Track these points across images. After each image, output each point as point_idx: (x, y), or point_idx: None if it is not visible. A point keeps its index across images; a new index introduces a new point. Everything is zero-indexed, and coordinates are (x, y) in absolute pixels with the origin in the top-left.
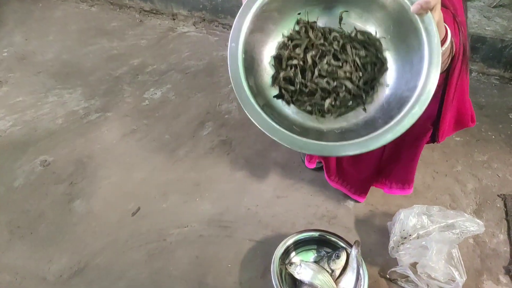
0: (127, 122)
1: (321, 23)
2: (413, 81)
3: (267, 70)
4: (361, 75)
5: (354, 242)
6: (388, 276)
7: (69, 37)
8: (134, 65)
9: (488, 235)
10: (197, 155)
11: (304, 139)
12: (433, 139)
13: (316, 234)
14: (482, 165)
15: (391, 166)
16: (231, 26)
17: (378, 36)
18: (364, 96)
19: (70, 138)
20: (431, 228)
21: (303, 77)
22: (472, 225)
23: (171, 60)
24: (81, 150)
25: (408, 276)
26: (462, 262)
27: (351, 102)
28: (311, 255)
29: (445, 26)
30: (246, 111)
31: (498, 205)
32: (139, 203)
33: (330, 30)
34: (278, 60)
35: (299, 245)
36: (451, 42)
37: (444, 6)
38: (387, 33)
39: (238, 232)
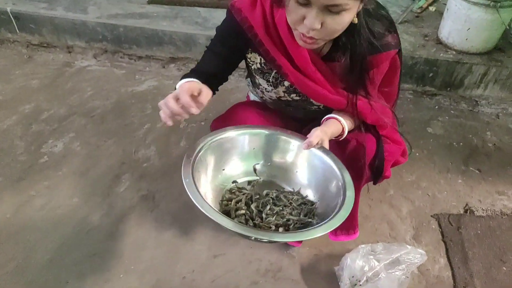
0: (23, 187)
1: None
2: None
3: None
4: (299, 212)
5: None
6: None
7: None
8: (25, 113)
9: (430, 261)
10: (115, 219)
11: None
12: (374, 181)
13: None
14: (412, 186)
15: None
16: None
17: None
18: (310, 221)
19: None
20: (378, 268)
21: (254, 221)
22: (416, 256)
23: (72, 102)
24: None
25: None
26: None
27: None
28: None
29: (341, 123)
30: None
31: (433, 226)
32: None
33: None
34: (226, 213)
35: None
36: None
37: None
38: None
39: None
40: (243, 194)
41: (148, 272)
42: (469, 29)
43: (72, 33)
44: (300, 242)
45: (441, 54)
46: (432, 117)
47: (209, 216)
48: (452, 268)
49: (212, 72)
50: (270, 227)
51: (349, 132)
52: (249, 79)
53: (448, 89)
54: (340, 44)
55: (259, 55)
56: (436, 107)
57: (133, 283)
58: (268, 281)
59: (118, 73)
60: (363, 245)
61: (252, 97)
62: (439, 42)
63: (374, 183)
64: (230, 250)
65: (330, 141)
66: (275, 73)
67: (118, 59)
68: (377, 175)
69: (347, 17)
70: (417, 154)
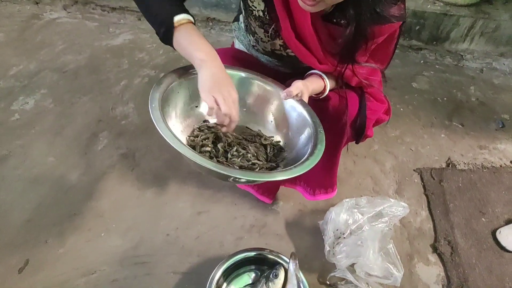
0: None
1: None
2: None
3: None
4: (265, 156)
5: (290, 256)
6: (328, 282)
7: None
8: None
9: (412, 214)
10: (94, 177)
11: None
12: (356, 140)
13: (250, 254)
14: (396, 141)
15: (309, 172)
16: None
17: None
18: (275, 165)
19: None
20: (361, 221)
21: (218, 159)
22: (398, 209)
23: (42, 57)
24: None
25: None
26: (398, 257)
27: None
28: (247, 278)
29: (323, 80)
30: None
31: (416, 180)
32: (26, 254)
33: None
34: (192, 147)
35: (233, 270)
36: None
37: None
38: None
39: (159, 266)
40: (212, 133)
41: (131, 231)
42: None
43: None
44: (271, 198)
45: (429, 6)
46: (417, 72)
47: (172, 144)
48: (433, 220)
49: None
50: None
51: (331, 90)
52: (237, 23)
53: (434, 43)
54: (344, 10)
55: (263, 2)
56: (422, 61)
57: (115, 241)
58: (253, 236)
59: (90, 26)
60: (347, 199)
61: (237, 44)
62: None
63: (357, 142)
64: (214, 207)
65: (310, 98)
66: (275, 25)
67: (90, 11)
68: (359, 134)
69: None
70: (402, 109)
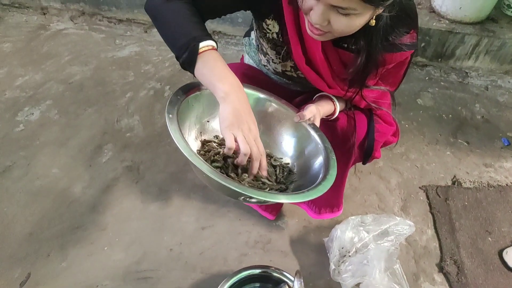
0: None
1: None
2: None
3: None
4: (274, 177)
5: (295, 274)
6: None
7: None
8: None
9: (418, 232)
10: (98, 190)
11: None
12: (364, 161)
13: (255, 271)
14: (401, 157)
15: None
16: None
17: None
18: (284, 187)
19: None
20: (367, 239)
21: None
22: (404, 228)
23: (48, 68)
24: None
25: None
26: (405, 277)
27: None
28: None
29: (333, 102)
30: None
31: (421, 198)
32: (28, 268)
33: None
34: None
35: (237, 287)
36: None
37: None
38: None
39: (162, 281)
40: (222, 148)
41: (134, 244)
42: None
43: None
44: (274, 215)
45: (434, 23)
46: (422, 88)
47: (188, 157)
48: (439, 239)
49: (217, 3)
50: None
51: (340, 111)
52: (248, 39)
53: (439, 59)
54: (355, 37)
55: (278, 24)
56: (427, 78)
57: (118, 255)
58: (257, 252)
59: (96, 37)
60: (352, 217)
61: (247, 59)
62: (432, 10)
63: (364, 163)
64: (218, 221)
65: (321, 119)
66: (287, 47)
67: (97, 22)
68: (367, 155)
69: (357, 21)
70: (407, 125)
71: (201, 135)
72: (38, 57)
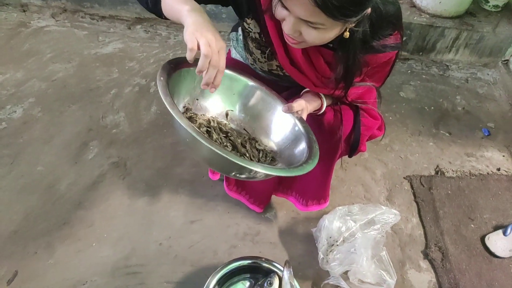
0: None
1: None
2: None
3: None
4: (257, 159)
5: (284, 264)
6: None
7: None
8: None
9: (403, 221)
10: (84, 187)
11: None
12: (350, 154)
13: (245, 262)
14: (386, 149)
15: (302, 184)
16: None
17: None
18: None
19: None
20: (354, 228)
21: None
22: (389, 216)
23: (30, 66)
24: None
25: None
26: (391, 263)
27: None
28: (241, 287)
29: (321, 99)
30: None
31: (406, 187)
32: (14, 266)
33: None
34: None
35: (227, 279)
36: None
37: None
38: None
39: (151, 276)
40: (206, 123)
41: (122, 240)
42: None
43: None
44: (261, 208)
45: (415, 18)
46: (404, 81)
47: (189, 130)
48: (424, 227)
49: None
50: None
51: (327, 106)
52: (236, 34)
53: (420, 53)
54: (336, 47)
55: (258, 25)
56: (409, 71)
57: (106, 251)
58: (247, 245)
59: (79, 34)
60: (340, 207)
61: (234, 54)
62: (413, 5)
63: (350, 156)
64: (207, 215)
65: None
66: (271, 48)
67: (79, 19)
68: (353, 148)
69: (327, 35)
70: (390, 118)
71: (188, 111)
72: (19, 55)
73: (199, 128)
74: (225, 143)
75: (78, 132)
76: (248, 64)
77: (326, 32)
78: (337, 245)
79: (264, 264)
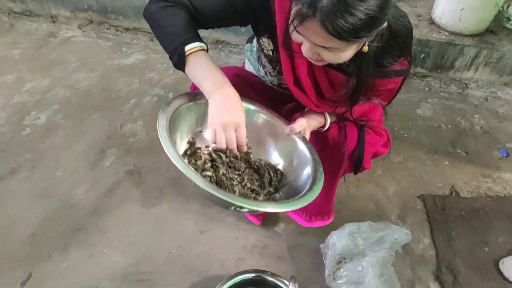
0: (4, 159)
1: None
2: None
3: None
4: (269, 178)
5: (290, 279)
6: None
7: None
8: (7, 83)
9: (415, 241)
10: (100, 193)
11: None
12: (354, 171)
13: (249, 275)
14: (399, 166)
15: None
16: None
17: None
18: (273, 191)
19: None
20: (363, 246)
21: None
22: (400, 236)
23: (56, 74)
24: None
25: None
26: (399, 284)
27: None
28: None
29: (324, 117)
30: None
31: (419, 206)
32: (30, 268)
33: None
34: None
35: None
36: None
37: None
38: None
39: (159, 284)
40: (211, 156)
41: (133, 247)
42: (462, 9)
43: (56, 2)
44: (259, 219)
45: (434, 35)
46: (421, 98)
47: (178, 166)
48: (436, 248)
49: (210, 15)
50: (234, 192)
51: (331, 122)
52: (250, 45)
53: (439, 71)
54: (348, 65)
55: (272, 43)
56: (426, 88)
57: (117, 257)
58: (254, 257)
59: (104, 45)
60: (349, 224)
61: (248, 65)
62: (432, 22)
63: (355, 173)
64: (217, 226)
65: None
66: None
67: (104, 31)
68: (357, 165)
69: (344, 55)
70: (406, 135)
71: (192, 146)
72: (46, 63)
73: (204, 165)
74: (231, 176)
75: (97, 139)
76: (260, 76)
77: (343, 52)
78: (345, 262)
79: (270, 278)
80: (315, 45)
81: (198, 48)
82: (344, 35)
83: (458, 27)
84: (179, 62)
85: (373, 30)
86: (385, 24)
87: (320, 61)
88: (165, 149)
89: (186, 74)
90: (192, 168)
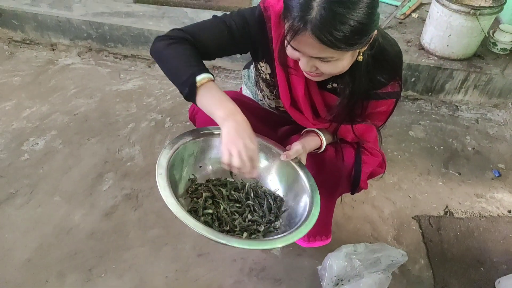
0: (2, 185)
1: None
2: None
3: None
4: (269, 206)
5: None
6: None
7: None
8: (6, 110)
9: (411, 261)
10: (97, 217)
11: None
12: (352, 192)
13: None
14: (394, 187)
15: None
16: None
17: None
18: (273, 219)
19: None
20: (360, 268)
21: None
22: (397, 257)
23: (54, 100)
24: None
25: None
26: None
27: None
28: None
29: (320, 139)
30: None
31: (414, 227)
32: None
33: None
34: (194, 209)
35: None
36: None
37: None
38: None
39: None
40: (212, 192)
41: (130, 272)
42: (450, 35)
43: (56, 31)
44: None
45: (423, 60)
46: (413, 121)
47: (179, 217)
48: (432, 268)
49: (212, 47)
50: (235, 226)
51: (328, 144)
52: (247, 71)
53: (430, 94)
54: (341, 78)
55: (270, 68)
56: (418, 111)
57: (114, 282)
58: (252, 280)
59: (102, 72)
60: (345, 245)
61: (245, 90)
62: (421, 47)
63: (352, 193)
64: (213, 249)
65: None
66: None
67: (103, 58)
68: (354, 186)
69: (341, 64)
70: (399, 156)
71: (193, 183)
72: (45, 90)
73: (205, 202)
74: (232, 209)
75: (95, 164)
76: (257, 100)
77: (339, 62)
78: (342, 284)
79: None
80: (311, 58)
81: (207, 80)
82: (337, 44)
83: (447, 52)
84: (191, 94)
85: (363, 37)
86: (375, 32)
87: (318, 76)
88: (165, 199)
89: (197, 105)
90: (191, 217)
